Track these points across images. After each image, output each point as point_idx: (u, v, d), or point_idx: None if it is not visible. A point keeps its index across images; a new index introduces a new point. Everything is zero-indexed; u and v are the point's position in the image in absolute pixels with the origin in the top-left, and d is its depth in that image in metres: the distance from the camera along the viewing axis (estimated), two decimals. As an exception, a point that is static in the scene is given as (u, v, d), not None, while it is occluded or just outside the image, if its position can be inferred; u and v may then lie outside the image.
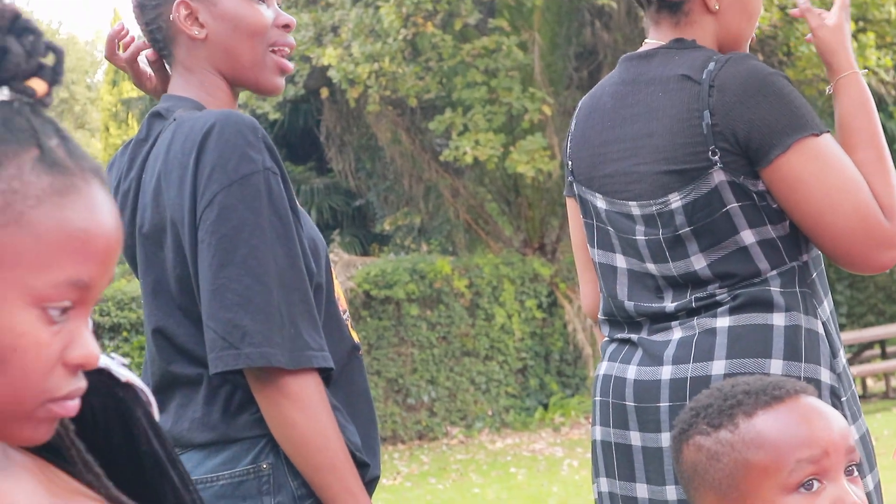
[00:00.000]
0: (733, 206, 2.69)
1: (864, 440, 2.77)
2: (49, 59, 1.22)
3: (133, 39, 2.69)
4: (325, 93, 16.55)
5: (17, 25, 1.20)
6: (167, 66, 2.63)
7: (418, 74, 14.98)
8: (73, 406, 1.20)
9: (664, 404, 2.73)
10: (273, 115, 16.44)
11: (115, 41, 2.70)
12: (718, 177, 2.65)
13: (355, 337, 2.58)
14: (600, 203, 2.90)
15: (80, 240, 1.18)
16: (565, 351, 15.80)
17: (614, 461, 2.87)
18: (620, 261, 2.92)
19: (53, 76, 1.21)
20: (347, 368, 2.52)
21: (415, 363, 14.61)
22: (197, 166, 2.30)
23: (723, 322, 2.72)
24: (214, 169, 2.28)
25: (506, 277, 15.29)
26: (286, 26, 2.56)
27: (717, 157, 2.65)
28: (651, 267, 2.81)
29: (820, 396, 2.25)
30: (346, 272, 14.42)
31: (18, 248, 1.16)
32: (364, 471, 2.40)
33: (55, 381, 1.18)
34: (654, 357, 2.78)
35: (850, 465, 1.78)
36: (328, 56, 14.47)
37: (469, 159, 14.73)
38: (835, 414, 1.86)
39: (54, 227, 1.16)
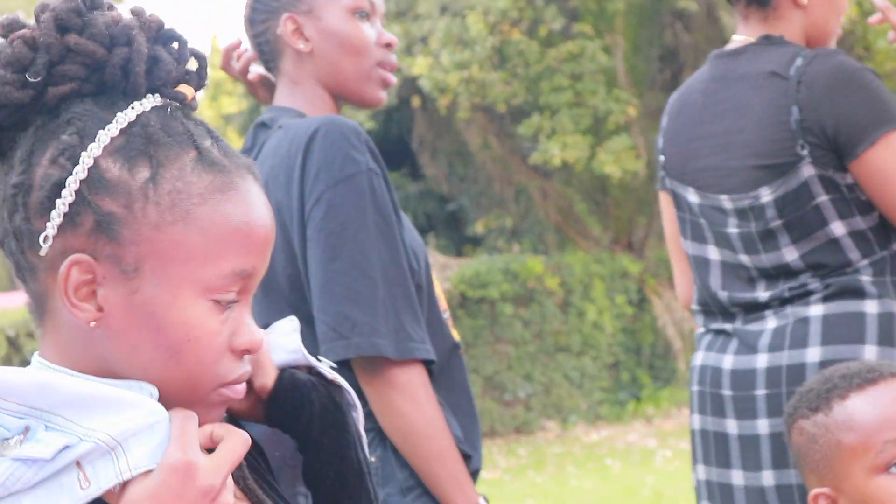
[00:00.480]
0: (823, 198, 2.75)
1: None
2: (193, 66, 1.32)
3: (246, 51, 2.78)
4: (416, 101, 16.70)
5: (163, 35, 1.29)
6: (273, 78, 2.72)
7: (506, 80, 14.92)
8: (241, 389, 1.31)
9: (760, 392, 2.79)
10: (367, 125, 16.25)
11: (230, 53, 2.80)
12: (808, 171, 2.72)
13: (456, 335, 2.62)
14: (692, 197, 2.97)
15: (241, 232, 1.25)
16: (656, 345, 15.85)
17: (712, 449, 2.92)
18: (713, 252, 2.97)
19: (199, 81, 1.31)
20: (448, 365, 2.55)
21: (510, 360, 14.64)
22: (304, 167, 2.37)
23: (816, 311, 2.76)
24: (321, 169, 2.35)
25: (596, 275, 15.35)
26: (388, 45, 2.60)
27: (805, 151, 2.71)
28: (744, 258, 2.89)
29: None
30: (441, 274, 14.19)
31: (187, 244, 1.23)
32: (466, 462, 2.45)
33: (225, 367, 1.27)
34: (749, 346, 2.83)
35: None
36: (418, 66, 14.60)
37: (557, 161, 14.81)
38: None
39: (218, 223, 1.24)
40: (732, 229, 2.90)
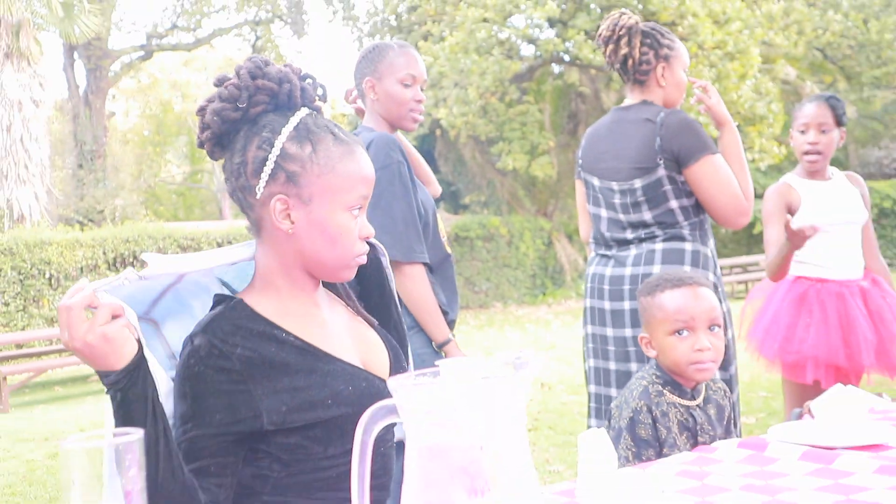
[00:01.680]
0: (667, 187, 2.79)
1: (727, 314, 2.78)
2: (319, 91, 1.44)
3: (354, 92, 2.74)
4: (438, 132, 17.51)
5: (304, 75, 1.42)
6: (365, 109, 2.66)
7: (486, 123, 15.79)
8: (364, 258, 1.44)
9: (626, 287, 2.81)
10: (413, 143, 12.78)
11: (349, 94, 2.76)
12: (661, 172, 2.77)
13: (448, 250, 2.64)
14: (596, 182, 2.96)
15: (361, 175, 1.39)
16: (555, 266, 17.16)
17: (595, 316, 2.89)
18: (603, 212, 2.95)
19: (324, 99, 1.44)
20: (442, 265, 2.61)
21: (479, 269, 16.00)
22: None
23: (659, 246, 2.80)
24: (373, 161, 2.01)
25: (526, 228, 16.75)
26: (418, 101, 2.58)
27: (661, 161, 2.76)
28: (621, 216, 2.88)
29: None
30: (445, 223, 12.73)
31: (335, 184, 1.37)
32: (445, 316, 2.53)
33: (358, 246, 1.41)
34: (620, 263, 2.86)
35: (712, 325, 1.93)
36: (440, 114, 15.38)
37: (510, 168, 16.18)
38: (710, 296, 1.96)
39: (350, 171, 1.38)
40: (616, 200, 2.88)
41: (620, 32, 2.87)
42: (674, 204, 2.81)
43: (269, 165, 1.36)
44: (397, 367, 1.51)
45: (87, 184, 19.13)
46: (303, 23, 23.47)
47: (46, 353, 10.20)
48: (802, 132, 3.40)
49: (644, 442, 1.84)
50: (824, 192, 3.40)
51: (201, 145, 1.43)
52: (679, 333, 1.92)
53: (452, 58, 15.17)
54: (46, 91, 14.67)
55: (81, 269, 11.59)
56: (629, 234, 2.89)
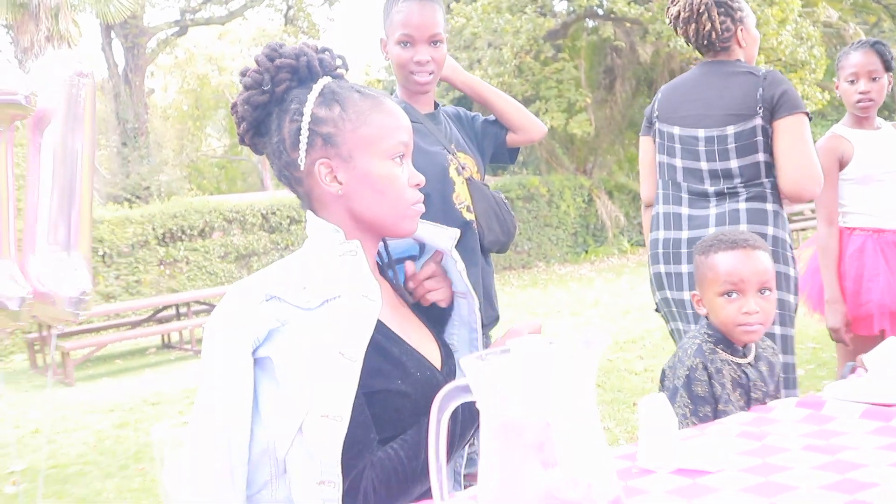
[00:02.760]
0: (759, 138, 2.74)
1: (795, 279, 2.74)
2: (338, 61, 1.48)
3: None
4: None
5: (321, 48, 1.45)
6: None
7: (521, 83, 15.45)
8: (422, 206, 1.44)
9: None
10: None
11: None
12: (757, 121, 2.74)
13: (468, 216, 2.40)
14: (676, 131, 2.89)
15: (397, 121, 1.41)
16: (596, 224, 17.00)
17: (672, 282, 2.84)
18: (679, 162, 2.87)
19: (345, 66, 1.47)
20: (463, 236, 2.18)
21: (521, 229, 15.44)
22: None
23: (743, 206, 2.74)
24: None
25: (566, 186, 16.65)
26: (419, 63, 2.40)
27: (759, 111, 2.74)
28: (703, 164, 2.81)
29: (777, 248, 2.66)
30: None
31: (371, 135, 1.38)
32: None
33: (410, 194, 1.42)
34: (701, 225, 2.79)
35: (762, 289, 1.90)
36: (475, 75, 14.26)
37: (548, 126, 13.75)
38: (763, 258, 1.93)
39: (384, 119, 1.40)
40: (701, 147, 2.82)
41: (699, 10, 2.87)
42: (761, 157, 2.77)
43: (304, 133, 1.38)
44: (448, 362, 1.52)
45: (132, 161, 19.37)
46: (334, -10, 23.43)
47: (105, 329, 10.40)
48: (852, 82, 3.36)
49: (701, 399, 1.85)
50: (876, 142, 3.35)
51: (243, 142, 1.46)
52: (728, 295, 1.92)
53: (485, 17, 14.99)
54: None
55: (132, 245, 11.78)
56: (708, 186, 2.84)
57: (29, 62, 14.55)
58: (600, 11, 15.87)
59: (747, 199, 2.76)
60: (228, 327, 1.30)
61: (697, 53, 2.97)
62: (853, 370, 1.91)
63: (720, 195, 2.80)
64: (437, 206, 2.33)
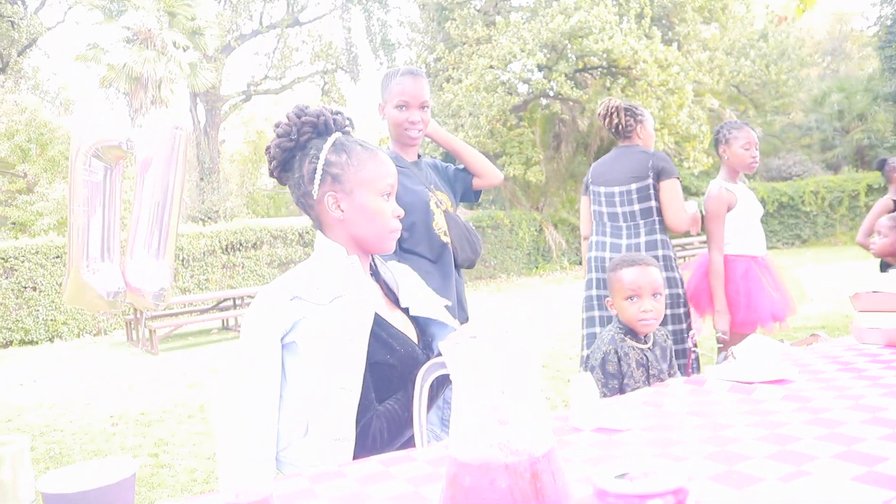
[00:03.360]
0: (651, 191, 2.99)
1: (680, 279, 2.97)
2: (347, 121, 1.42)
3: None
4: None
5: (335, 111, 1.39)
6: None
7: (493, 143, 15.28)
8: (399, 232, 1.40)
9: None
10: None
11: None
12: (649, 181, 2.99)
13: (445, 239, 2.32)
14: (602, 189, 3.12)
15: (387, 168, 1.37)
16: (545, 247, 16.52)
17: (599, 284, 3.04)
18: (605, 209, 3.10)
19: (352, 125, 1.42)
20: (442, 255, 2.30)
21: (488, 251, 15.24)
22: None
23: (642, 240, 2.96)
24: None
25: (523, 219, 16.03)
26: (412, 122, 2.30)
27: (650, 174, 2.98)
28: (618, 209, 3.04)
29: (666, 262, 2.96)
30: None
31: (369, 177, 1.35)
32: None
33: (393, 223, 1.38)
34: (616, 249, 3.01)
35: (655, 293, 1.92)
36: (458, 135, 14.18)
37: (511, 175, 15.47)
38: (655, 272, 1.94)
39: (377, 167, 1.36)
40: (616, 199, 3.05)
41: (612, 111, 3.18)
42: (653, 203, 3.03)
43: (319, 172, 1.36)
44: (424, 340, 1.47)
45: (206, 192, 19.32)
46: (357, 71, 23.49)
47: (181, 314, 10.29)
48: (746, 149, 3.33)
49: (611, 375, 1.86)
50: (747, 192, 3.37)
51: (272, 174, 1.43)
52: (631, 299, 1.93)
53: (468, 95, 14.83)
54: (178, 126, 15.22)
55: (203, 253, 11.70)
56: (622, 223, 3.08)
57: (139, 119, 14.77)
58: (551, 93, 15.70)
59: (646, 234, 3.00)
60: (262, 320, 1.27)
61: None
62: (726, 358, 1.96)
63: (628, 229, 3.04)
64: (422, 232, 2.28)
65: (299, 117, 1.39)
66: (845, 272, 10.77)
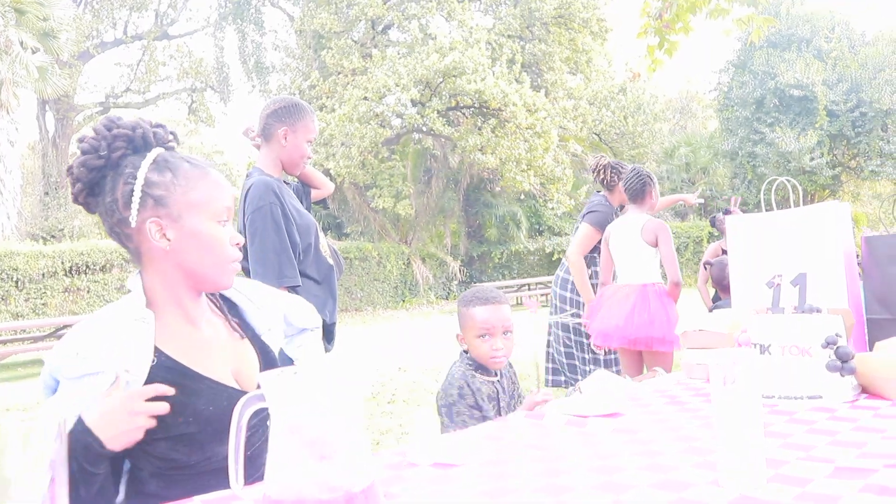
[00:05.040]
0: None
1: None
2: (170, 136, 1.28)
3: (253, 129, 2.48)
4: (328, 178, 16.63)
5: (155, 123, 1.25)
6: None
7: (364, 174, 15.60)
8: (239, 264, 1.27)
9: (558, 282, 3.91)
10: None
11: (248, 130, 2.48)
12: (579, 224, 3.76)
13: (331, 261, 2.39)
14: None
15: (222, 189, 1.23)
16: (413, 281, 16.77)
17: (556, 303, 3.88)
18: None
19: (176, 140, 1.28)
20: (328, 276, 2.36)
21: (355, 281, 15.62)
22: (244, 204, 2.20)
23: (561, 273, 3.85)
24: (249, 204, 2.17)
25: (391, 252, 16.38)
26: (308, 157, 2.36)
27: (581, 219, 3.70)
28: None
29: (569, 286, 3.87)
30: (335, 245, 15.41)
31: (198, 199, 1.20)
32: (328, 322, 2.31)
33: (232, 251, 1.24)
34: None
35: (506, 332, 1.91)
36: (330, 165, 14.94)
37: (380, 207, 16.03)
38: (506, 310, 1.93)
39: (210, 187, 1.22)
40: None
41: (601, 166, 3.87)
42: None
43: (137, 194, 1.18)
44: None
45: (51, 207, 17.90)
46: (228, 92, 22.98)
47: (11, 341, 9.49)
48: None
49: (474, 406, 1.88)
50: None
51: (76, 200, 1.23)
52: (483, 337, 1.94)
53: (341, 125, 14.94)
54: (21, 134, 14.17)
55: (42, 274, 10.90)
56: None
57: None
58: (424, 128, 15.92)
59: (564, 271, 3.96)
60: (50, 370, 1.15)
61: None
62: (574, 391, 1.97)
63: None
64: (312, 254, 2.33)
65: (110, 130, 1.21)
66: (687, 310, 11.68)
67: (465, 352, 2.01)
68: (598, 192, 3.95)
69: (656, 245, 3.45)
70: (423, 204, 17.73)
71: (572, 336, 3.90)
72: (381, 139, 15.12)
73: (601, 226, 3.75)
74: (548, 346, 4.10)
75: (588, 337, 3.71)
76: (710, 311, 3.32)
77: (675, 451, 1.12)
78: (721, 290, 3.86)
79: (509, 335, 1.96)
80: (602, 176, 3.85)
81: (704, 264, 4.09)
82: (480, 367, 1.97)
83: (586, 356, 3.83)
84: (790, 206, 1.78)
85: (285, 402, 0.76)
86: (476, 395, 1.90)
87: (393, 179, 16.23)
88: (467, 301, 1.99)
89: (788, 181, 1.96)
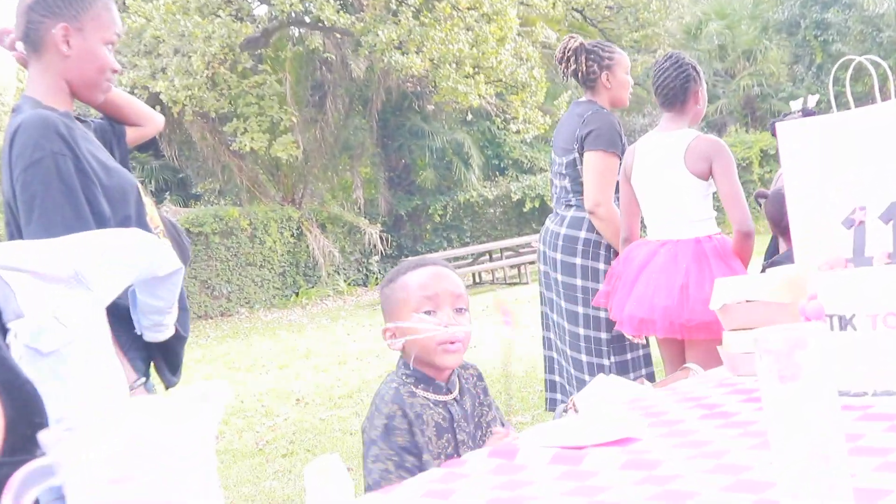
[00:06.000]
0: (579, 166, 3.90)
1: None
2: None
3: (11, 33, 2.42)
4: (157, 108, 15.13)
5: None
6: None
7: (216, 98, 15.72)
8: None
9: (549, 239, 4.03)
10: None
11: (3, 36, 2.44)
12: (575, 154, 3.90)
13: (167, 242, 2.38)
14: (553, 155, 4.15)
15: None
16: (308, 261, 17.45)
17: (547, 260, 4.06)
18: (556, 180, 4.10)
19: None
20: None
21: (218, 271, 16.13)
22: (10, 156, 2.19)
23: (569, 214, 3.97)
24: (18, 157, 2.16)
25: (271, 219, 16.91)
26: (114, 71, 2.37)
27: (576, 146, 3.88)
28: (556, 183, 4.08)
29: (588, 247, 3.96)
30: (174, 217, 14.37)
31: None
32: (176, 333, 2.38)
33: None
34: (558, 223, 4.04)
35: (459, 307, 2.01)
36: (159, 86, 14.98)
37: (248, 148, 16.20)
38: (452, 276, 2.06)
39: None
40: (556, 170, 4.08)
41: (568, 54, 3.93)
42: (582, 180, 3.89)
43: None
44: (22, 427, 1.36)
45: None
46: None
47: None
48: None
49: (403, 449, 1.87)
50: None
51: None
52: (425, 313, 1.99)
53: (169, 19, 14.89)
54: None
55: None
56: (562, 201, 4.08)
57: None
58: (307, 19, 16.35)
59: (575, 209, 3.97)
60: None
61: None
62: (566, 410, 2.00)
63: (566, 205, 4.02)
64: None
65: None
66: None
67: (401, 357, 2.06)
68: (580, 99, 4.08)
69: (709, 175, 3.51)
70: (316, 140, 17.77)
71: (589, 330, 3.99)
72: (238, 40, 15.25)
73: (617, 148, 3.86)
74: (545, 346, 4.22)
75: (611, 328, 3.83)
76: (764, 269, 3.39)
77: (714, 489, 1.14)
78: (781, 234, 3.76)
79: (465, 313, 2.02)
80: (574, 66, 3.96)
81: (758, 198, 4.05)
82: (425, 380, 2.01)
83: (610, 360, 3.95)
84: (877, 101, 1.81)
85: (98, 471, 0.77)
86: (415, 427, 1.92)
87: (264, 104, 16.27)
88: (395, 273, 2.09)
89: (876, 63, 1.96)
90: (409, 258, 2.16)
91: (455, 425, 1.98)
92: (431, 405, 1.98)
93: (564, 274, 4.04)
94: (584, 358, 3.99)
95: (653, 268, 3.55)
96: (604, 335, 3.94)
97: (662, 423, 1.55)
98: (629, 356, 3.97)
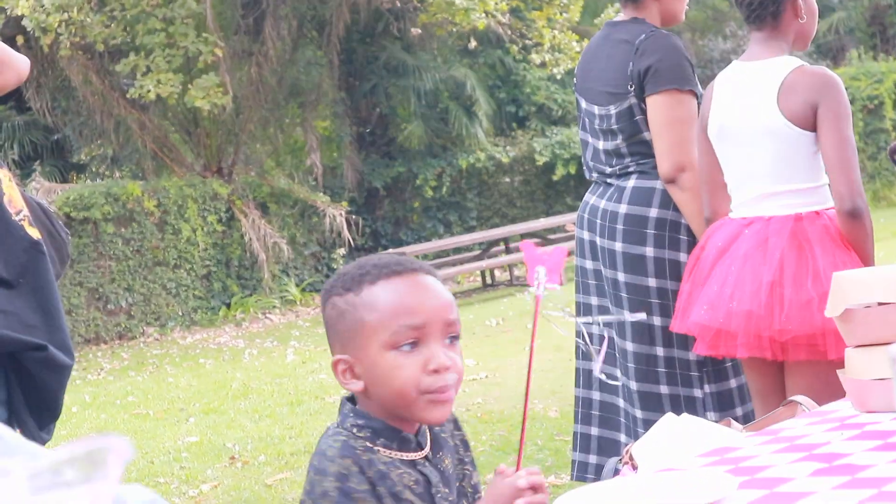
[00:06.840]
0: (639, 117, 4.02)
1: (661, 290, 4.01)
2: None
3: None
4: (20, 40, 16.38)
5: None
6: None
7: (104, 23, 15.91)
8: None
9: (600, 222, 4.12)
10: None
11: None
12: (631, 100, 4.00)
13: (34, 234, 2.60)
14: (583, 104, 4.29)
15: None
16: (243, 258, 17.61)
17: (585, 250, 4.26)
18: (590, 139, 4.25)
19: None
20: (28, 268, 2.57)
21: (113, 274, 16.25)
22: None
23: (630, 184, 4.06)
24: None
25: (189, 197, 17.05)
26: None
27: (631, 89, 3.97)
28: (601, 144, 4.18)
29: (661, 230, 4.04)
30: (47, 197, 15.23)
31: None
32: (42, 350, 2.51)
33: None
34: (605, 197, 4.14)
35: (451, 336, 2.02)
36: (21, 7, 15.18)
37: (152, 96, 16.21)
38: (443, 290, 2.08)
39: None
40: (596, 125, 4.16)
41: None
42: (647, 136, 4.01)
43: None
44: None
45: None
46: None
47: None
48: None
49: None
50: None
51: None
52: (405, 349, 1.99)
53: None
54: None
55: None
56: (607, 167, 4.18)
57: None
58: None
59: (637, 177, 4.03)
60: None
61: None
62: (620, 464, 2.10)
63: (616, 175, 4.11)
64: None
65: None
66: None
67: (351, 399, 2.10)
68: (617, 18, 4.28)
69: (815, 124, 3.51)
70: (251, 82, 17.73)
71: (670, 350, 4.04)
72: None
73: (693, 84, 4.01)
74: (578, 381, 4.38)
75: (683, 343, 3.85)
76: None
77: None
78: None
79: (457, 344, 2.04)
80: None
81: (892, 154, 4.19)
82: (387, 432, 2.02)
83: (704, 391, 4.02)
84: None
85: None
86: (380, 487, 1.93)
87: (173, 31, 16.41)
88: (354, 278, 2.09)
89: None
90: (383, 253, 2.11)
91: (433, 492, 2.00)
92: (398, 464, 2.00)
93: (628, 271, 4.07)
94: (662, 390, 4.01)
95: (732, 257, 3.56)
96: (692, 356, 3.94)
97: (759, 482, 1.55)
98: (732, 384, 3.99)
